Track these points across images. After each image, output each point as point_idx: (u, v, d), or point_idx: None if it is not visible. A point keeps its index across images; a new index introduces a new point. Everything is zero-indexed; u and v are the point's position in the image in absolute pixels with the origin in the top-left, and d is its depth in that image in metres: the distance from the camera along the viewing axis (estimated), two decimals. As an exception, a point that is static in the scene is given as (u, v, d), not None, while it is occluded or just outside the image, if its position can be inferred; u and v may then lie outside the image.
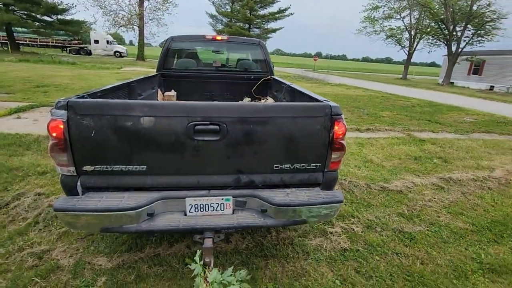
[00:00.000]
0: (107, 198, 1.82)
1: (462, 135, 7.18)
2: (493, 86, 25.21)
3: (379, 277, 2.24)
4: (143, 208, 1.79)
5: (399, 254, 2.52)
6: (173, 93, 4.27)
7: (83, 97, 1.92)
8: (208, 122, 1.80)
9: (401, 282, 2.21)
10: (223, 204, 1.95)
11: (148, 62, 29.34)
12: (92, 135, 1.73)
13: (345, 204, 3.27)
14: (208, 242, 1.85)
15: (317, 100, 2.26)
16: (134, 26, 31.10)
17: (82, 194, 1.85)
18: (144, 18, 31.00)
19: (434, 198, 3.59)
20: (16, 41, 31.73)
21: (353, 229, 2.82)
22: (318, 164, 2.03)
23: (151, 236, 2.47)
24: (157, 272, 2.14)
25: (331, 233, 2.73)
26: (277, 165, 1.98)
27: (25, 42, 34.02)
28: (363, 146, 5.54)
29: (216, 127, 1.81)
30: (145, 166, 1.85)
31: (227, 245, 2.48)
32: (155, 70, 4.41)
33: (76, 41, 36.35)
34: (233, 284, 1.70)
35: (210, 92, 4.46)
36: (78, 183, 1.82)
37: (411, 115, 9.24)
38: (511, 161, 5.29)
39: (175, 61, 4.52)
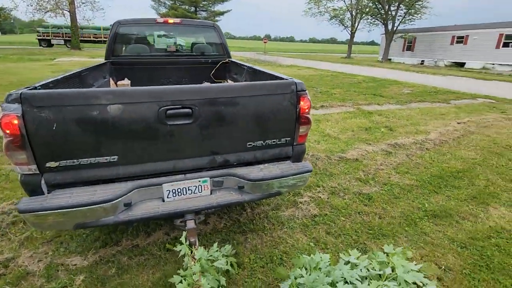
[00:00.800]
0: (78, 193, 1.74)
1: (402, 105, 8.00)
2: (423, 61, 28.09)
3: (346, 234, 2.52)
4: (119, 199, 1.75)
5: (360, 213, 2.84)
6: (127, 81, 4.03)
7: (35, 88, 1.76)
8: (180, 106, 1.79)
9: (365, 235, 2.51)
10: (201, 186, 2.00)
11: (86, 51, 26.58)
12: (54, 128, 1.62)
13: (310, 176, 3.52)
14: (191, 223, 1.90)
15: (281, 78, 2.36)
16: (64, 11, 27.70)
17: (48, 193, 1.73)
18: (76, 2, 27.72)
19: (385, 162, 4.04)
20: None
21: (320, 197, 3.08)
22: (287, 139, 2.16)
23: (130, 226, 2.42)
24: (139, 262, 2.13)
25: (301, 202, 2.95)
26: (250, 143, 2.06)
27: (88, 39, 31.15)
28: (320, 122, 5.89)
29: (189, 110, 1.81)
30: (116, 157, 1.79)
31: (206, 226, 2.54)
32: (98, 60, 4.09)
33: None
34: (220, 259, 1.79)
35: (166, 78, 4.30)
36: (42, 181, 1.70)
37: (358, 91, 9.96)
38: (442, 124, 6.10)
39: (124, 48, 4.23)
